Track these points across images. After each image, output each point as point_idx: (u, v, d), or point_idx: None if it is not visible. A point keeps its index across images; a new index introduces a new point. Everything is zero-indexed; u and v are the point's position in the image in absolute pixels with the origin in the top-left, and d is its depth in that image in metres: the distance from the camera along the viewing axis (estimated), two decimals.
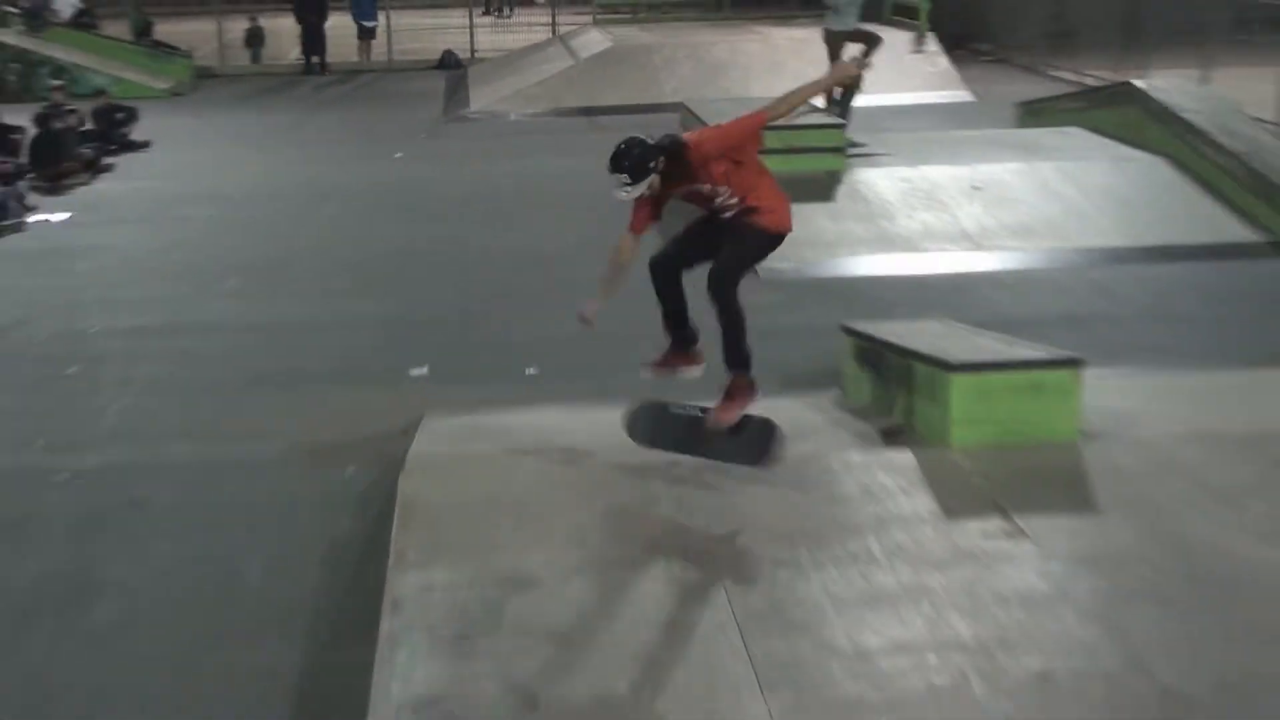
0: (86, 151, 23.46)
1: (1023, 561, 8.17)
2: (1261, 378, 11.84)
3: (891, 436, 9.81)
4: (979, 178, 18.53)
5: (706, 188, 8.72)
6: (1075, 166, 18.95)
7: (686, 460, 9.46)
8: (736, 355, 8.76)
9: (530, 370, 12.81)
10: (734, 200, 8.74)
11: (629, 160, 8.52)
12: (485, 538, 8.57)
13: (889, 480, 9.11)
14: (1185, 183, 18.52)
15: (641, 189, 8.58)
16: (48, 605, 8.79)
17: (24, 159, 22.26)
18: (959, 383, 9.69)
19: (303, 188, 22.02)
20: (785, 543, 8.34)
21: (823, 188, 18.10)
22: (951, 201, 17.99)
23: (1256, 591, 7.93)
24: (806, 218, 16.97)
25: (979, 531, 8.50)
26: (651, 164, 8.54)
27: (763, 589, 7.86)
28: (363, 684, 7.13)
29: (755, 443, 9.01)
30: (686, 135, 8.93)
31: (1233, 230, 17.34)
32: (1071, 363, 9.94)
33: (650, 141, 8.73)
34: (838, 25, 19.83)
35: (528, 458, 9.78)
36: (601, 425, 10.50)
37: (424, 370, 12.92)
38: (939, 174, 18.59)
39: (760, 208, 8.76)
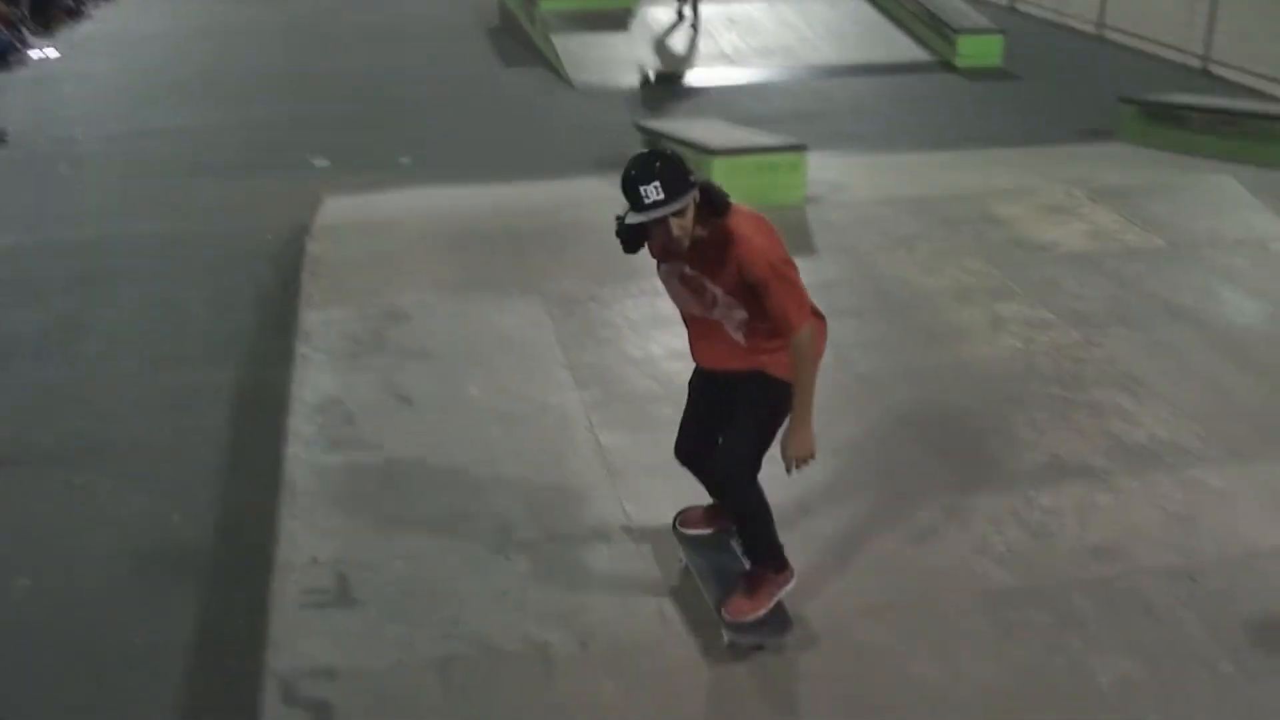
0: (69, 2, 22.57)
1: None
2: (929, 158, 11.94)
3: None
4: (734, 14, 18.21)
5: (708, 284, 4.61)
6: (803, 6, 18.69)
7: (525, 226, 9.32)
8: (759, 549, 4.94)
9: (404, 160, 12.50)
10: (733, 328, 4.71)
11: (661, 163, 4.32)
12: (370, 284, 8.40)
13: None
14: (880, 18, 18.44)
15: (668, 212, 4.28)
16: (53, 342, 8.51)
17: (24, 9, 21.39)
18: (719, 163, 9.63)
19: (228, 27, 21.17)
20: (595, 283, 8.25)
21: (620, 21, 17.74)
22: (715, 32, 17.68)
23: (921, 306, 8.02)
24: (609, 44, 16.78)
25: None
26: (692, 179, 4.36)
27: (578, 317, 7.80)
28: (282, 393, 7.02)
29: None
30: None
31: (913, 52, 17.33)
32: (798, 148, 9.94)
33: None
34: None
35: (402, 225, 9.56)
36: (457, 199, 10.32)
37: (325, 161, 12.54)
38: (706, 10, 18.20)
39: (766, 351, 4.68)
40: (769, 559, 4.91)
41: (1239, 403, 6.80)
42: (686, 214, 4.38)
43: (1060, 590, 5.15)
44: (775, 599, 4.88)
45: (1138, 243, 9.06)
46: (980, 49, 16.84)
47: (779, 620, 4.86)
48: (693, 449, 5.05)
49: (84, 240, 10.56)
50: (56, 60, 19.02)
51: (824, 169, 10.28)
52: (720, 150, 9.72)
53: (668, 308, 7.79)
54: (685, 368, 7.01)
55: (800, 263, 8.44)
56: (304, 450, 6.34)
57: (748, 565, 5.00)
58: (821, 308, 7.78)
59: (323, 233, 9.44)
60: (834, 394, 6.85)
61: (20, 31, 19.94)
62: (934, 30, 17.36)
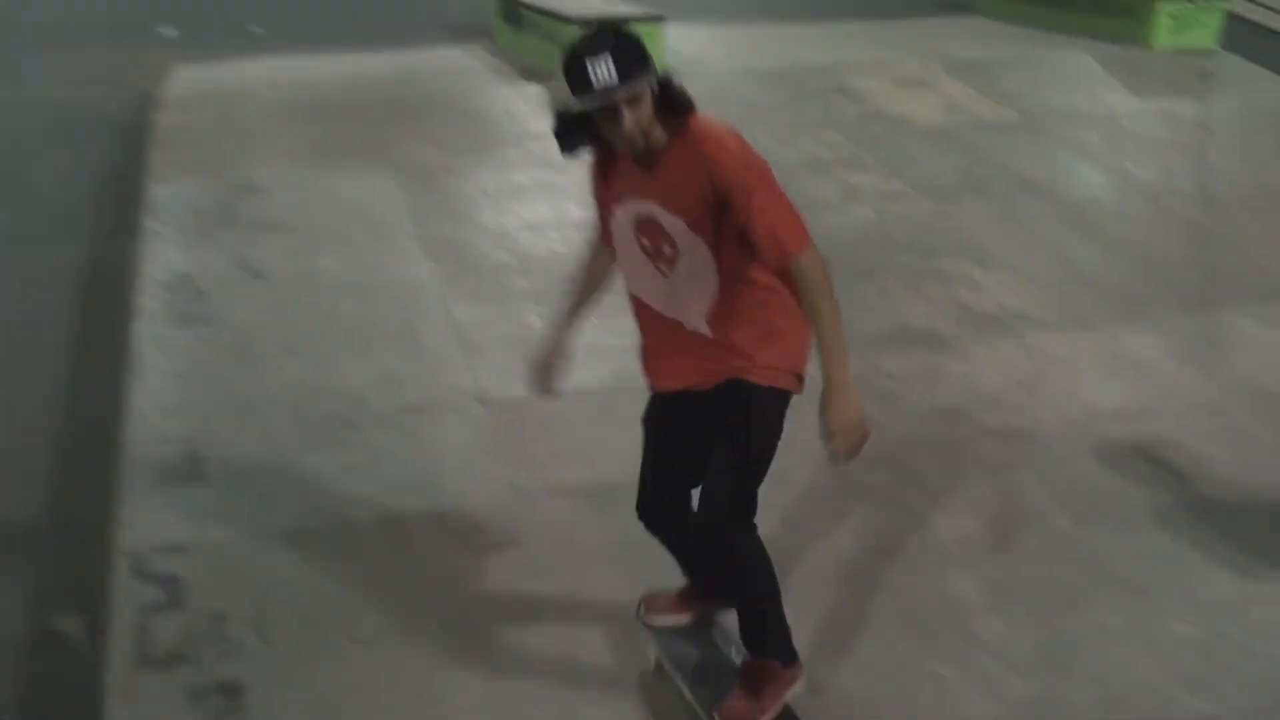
0: None
1: None
2: (786, 30, 11.91)
3: None
4: None
5: (665, 219, 3.51)
6: None
7: (377, 97, 9.14)
8: (762, 630, 3.79)
9: (254, 29, 12.14)
10: (698, 306, 3.58)
11: (616, 39, 3.40)
12: (221, 156, 8.22)
13: (524, 107, 8.95)
14: None
15: (623, 95, 3.33)
16: None
17: None
18: (572, 32, 9.46)
19: None
20: (450, 153, 8.17)
21: None
22: None
23: (777, 177, 8.03)
24: None
25: None
26: (649, 66, 3.40)
27: (433, 188, 7.71)
28: (131, 269, 6.85)
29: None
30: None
31: None
32: (655, 18, 9.85)
33: None
34: None
35: (252, 96, 9.35)
36: (309, 70, 10.08)
37: (173, 30, 12.12)
38: None
39: (740, 350, 3.58)
40: (774, 645, 3.77)
41: (1085, 273, 6.97)
42: (642, 105, 3.39)
43: (904, 451, 5.27)
44: (783, 701, 3.75)
45: (992, 116, 9.19)
46: None
47: None
48: (657, 503, 3.89)
49: None
50: None
51: (682, 40, 10.21)
52: (577, 20, 9.59)
53: (523, 178, 7.79)
54: (539, 240, 7.05)
55: None
56: (152, 327, 6.22)
57: (740, 658, 3.86)
58: None
59: (171, 104, 9.19)
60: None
61: None
62: None
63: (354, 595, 4.47)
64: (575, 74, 3.35)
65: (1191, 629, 4.28)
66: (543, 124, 8.48)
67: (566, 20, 9.56)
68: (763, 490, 3.67)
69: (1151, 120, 9.31)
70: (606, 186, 3.66)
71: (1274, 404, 5.70)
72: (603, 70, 3.32)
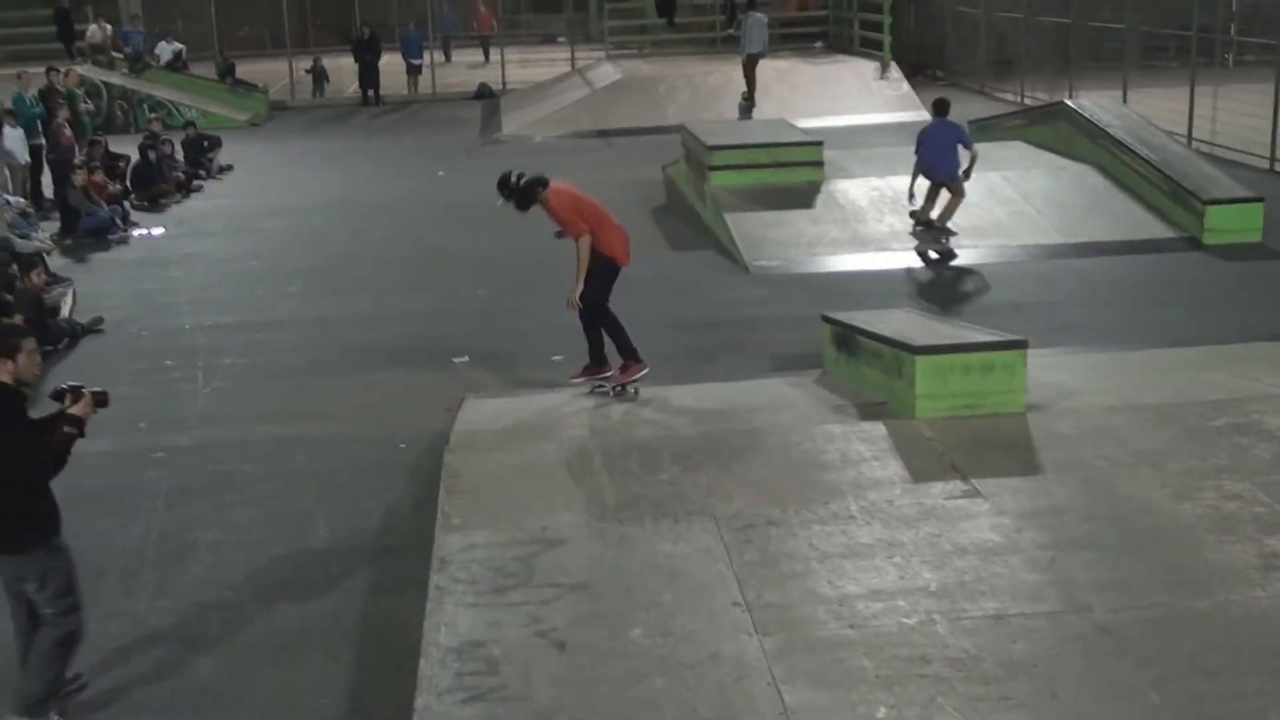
0: (179, 175, 23.49)
1: (978, 517, 8.07)
2: (1175, 355, 11.77)
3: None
4: None
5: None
6: (1017, 175, 18.78)
7: (694, 436, 9.42)
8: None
9: (555, 357, 12.71)
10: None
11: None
12: (518, 503, 8.52)
13: (864, 448, 9.02)
14: (1110, 187, 18.38)
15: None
16: (149, 564, 8.76)
17: (128, 182, 22.32)
18: (922, 363, 9.62)
19: (359, 201, 21.92)
20: (776, 504, 8.26)
21: (804, 196, 17.98)
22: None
23: (1174, 539, 7.85)
24: (790, 222, 17.04)
25: (941, 492, 8.41)
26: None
27: (757, 544, 7.79)
28: (415, 631, 7.08)
29: None
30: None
31: (1151, 228, 17.18)
32: (1017, 344, 9.89)
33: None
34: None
35: (554, 433, 9.73)
36: (616, 404, 10.44)
37: (464, 357, 12.82)
38: (904, 183, 18.31)
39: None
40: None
41: None
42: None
43: None
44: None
45: None
46: (1235, 220, 16.62)
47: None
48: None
49: (189, 446, 10.92)
50: (163, 239, 19.78)
51: (1048, 370, 10.23)
52: (923, 348, 9.71)
53: (864, 535, 7.82)
54: (886, 609, 7.01)
55: (1022, 483, 8.49)
56: (438, 702, 6.36)
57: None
58: (1048, 537, 7.71)
59: (463, 441, 9.63)
60: (1067, 647, 6.72)
61: (122, 207, 20.66)
62: (1176, 200, 17.24)
63: None
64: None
65: None
66: (887, 469, 8.62)
67: (910, 349, 9.68)
68: None
69: None
70: None
71: None
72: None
